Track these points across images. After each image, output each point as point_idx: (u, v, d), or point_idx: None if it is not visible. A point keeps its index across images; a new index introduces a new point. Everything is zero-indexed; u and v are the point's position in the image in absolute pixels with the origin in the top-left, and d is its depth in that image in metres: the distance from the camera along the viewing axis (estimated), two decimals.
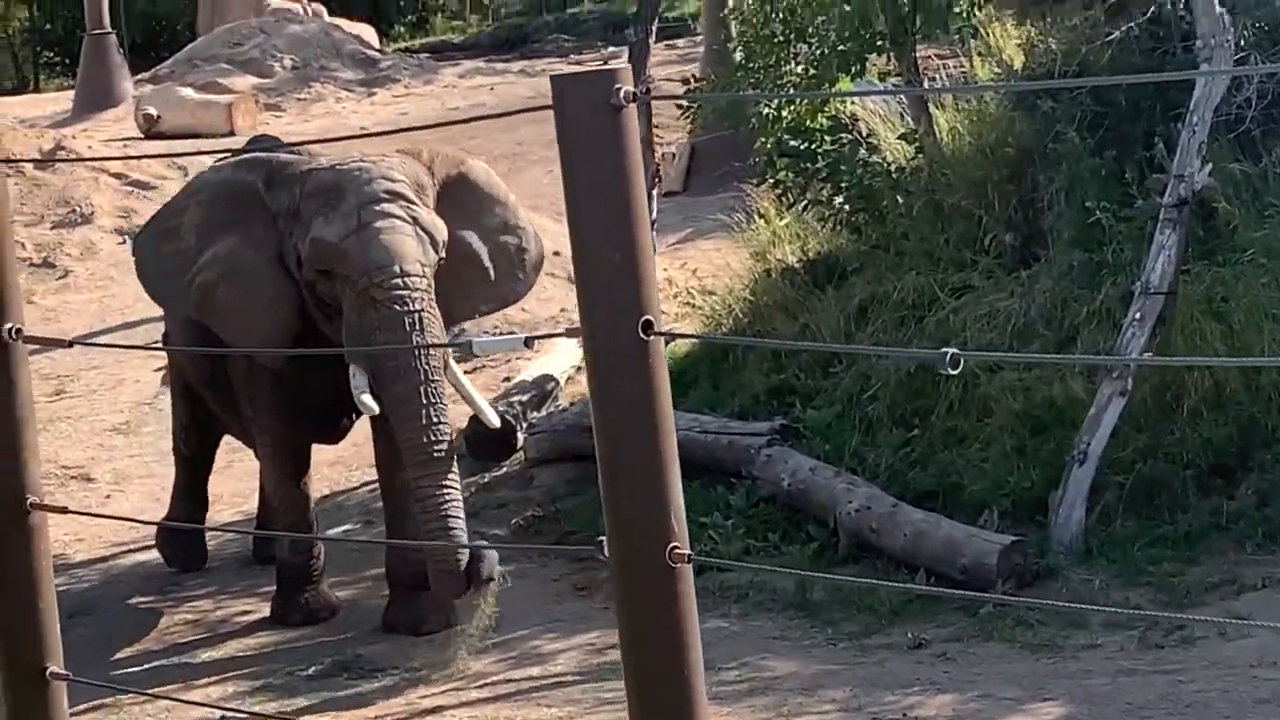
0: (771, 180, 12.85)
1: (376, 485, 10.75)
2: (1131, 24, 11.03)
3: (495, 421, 9.76)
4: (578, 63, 27.03)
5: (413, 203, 9.25)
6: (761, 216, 13.32)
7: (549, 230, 13.86)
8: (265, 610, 10.18)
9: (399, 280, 9.00)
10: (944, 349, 3.27)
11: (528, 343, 4.26)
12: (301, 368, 9.46)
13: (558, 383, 12.99)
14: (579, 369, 12.59)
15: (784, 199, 12.90)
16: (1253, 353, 10.04)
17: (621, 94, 3.35)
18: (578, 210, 3.41)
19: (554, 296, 14.91)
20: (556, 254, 15.43)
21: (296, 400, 9.68)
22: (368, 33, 29.61)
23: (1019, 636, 9.05)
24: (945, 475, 10.54)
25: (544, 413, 12.52)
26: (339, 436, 10.46)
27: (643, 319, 3.38)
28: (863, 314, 11.86)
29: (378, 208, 9.14)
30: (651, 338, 3.39)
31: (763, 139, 12.87)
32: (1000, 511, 10.11)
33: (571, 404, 12.52)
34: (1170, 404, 10.19)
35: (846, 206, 12.43)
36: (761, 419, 11.24)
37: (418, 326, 8.98)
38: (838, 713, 8.32)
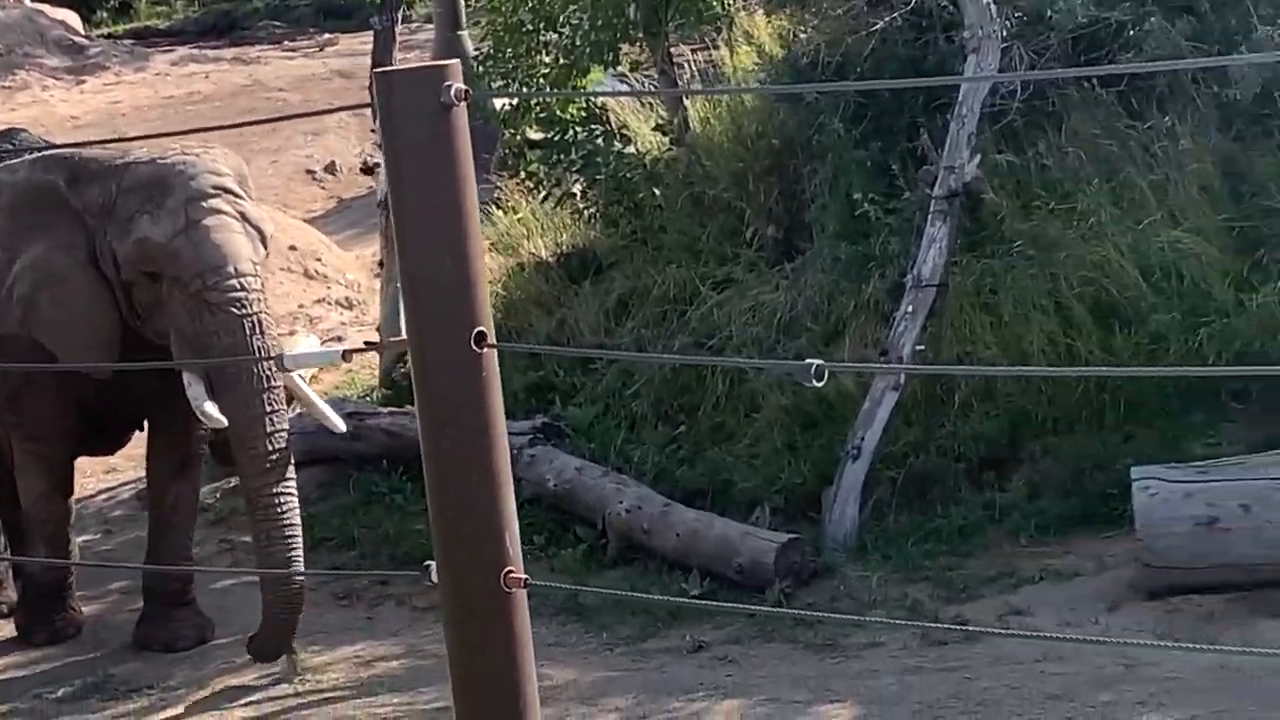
0: (524, 173, 12.58)
1: (111, 494, 10.31)
2: (894, 14, 10.95)
3: (340, 426, 9.38)
4: (292, 50, 26.40)
5: (239, 197, 8.87)
6: (513, 209, 13.02)
7: (280, 223, 13.45)
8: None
9: (234, 281, 8.61)
10: (809, 360, 3.05)
11: (345, 356, 4.00)
12: (101, 376, 8.94)
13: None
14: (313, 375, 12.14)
15: (536, 191, 12.64)
16: (1021, 343, 10.03)
17: (452, 92, 3.09)
18: (406, 216, 3.17)
19: (290, 292, 14.48)
20: (293, 248, 15.02)
21: (88, 410, 9.19)
22: (72, 18, 28.65)
23: (800, 637, 8.91)
24: (715, 473, 10.38)
25: (294, 414, 12.07)
26: (119, 447, 10.00)
27: (475, 330, 3.16)
28: (623, 308, 11.65)
29: (205, 204, 8.72)
30: (485, 350, 3.16)
31: (511, 130, 12.60)
32: (773, 508, 9.98)
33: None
34: (941, 397, 10.15)
35: (601, 199, 12.20)
36: (521, 418, 10.95)
37: (256, 329, 8.63)
38: None
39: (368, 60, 18.39)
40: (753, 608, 9.20)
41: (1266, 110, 10.46)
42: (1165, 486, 8.36)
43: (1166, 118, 10.48)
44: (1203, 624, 8.06)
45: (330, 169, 18.99)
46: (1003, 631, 8.31)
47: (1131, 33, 10.65)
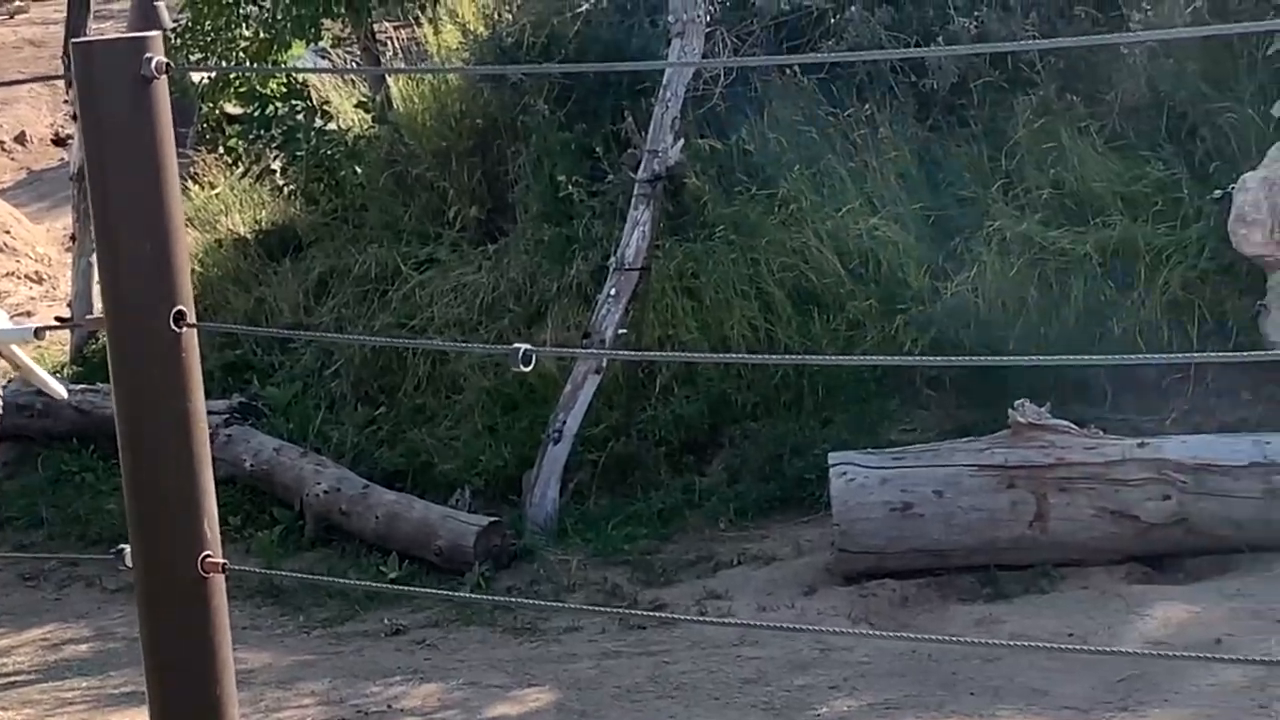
0: (222, 148, 12.33)
1: None
2: None
3: (62, 393, 9.03)
4: None
5: None
6: (210, 185, 12.76)
7: None
8: None
9: None
10: (516, 345, 3.04)
11: (37, 333, 3.92)
12: None
13: None
14: None
15: (234, 167, 12.39)
16: (723, 328, 10.10)
17: (153, 64, 3.00)
18: (105, 191, 3.11)
19: None
20: None
21: None
22: None
23: (500, 620, 8.86)
24: (415, 454, 10.29)
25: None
26: None
27: (175, 310, 3.11)
28: (323, 287, 11.49)
29: None
30: (184, 329, 3.11)
31: (209, 105, 12.35)
32: (473, 491, 9.93)
33: (8, 382, 11.74)
34: (643, 381, 10.17)
35: (302, 176, 12.00)
36: (217, 397, 10.72)
37: None
38: (318, 706, 7.97)
39: (60, 29, 17.87)
40: (449, 593, 9.13)
41: (962, 101, 10.66)
42: (861, 472, 8.47)
43: (866, 106, 10.62)
44: (896, 608, 8.18)
45: (20, 139, 18.47)
46: (697, 619, 8.34)
47: (833, 21, 10.78)
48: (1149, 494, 8.20)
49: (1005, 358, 8.94)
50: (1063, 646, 7.05)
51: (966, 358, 9.22)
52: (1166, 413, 9.41)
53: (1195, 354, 9.50)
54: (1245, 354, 9.72)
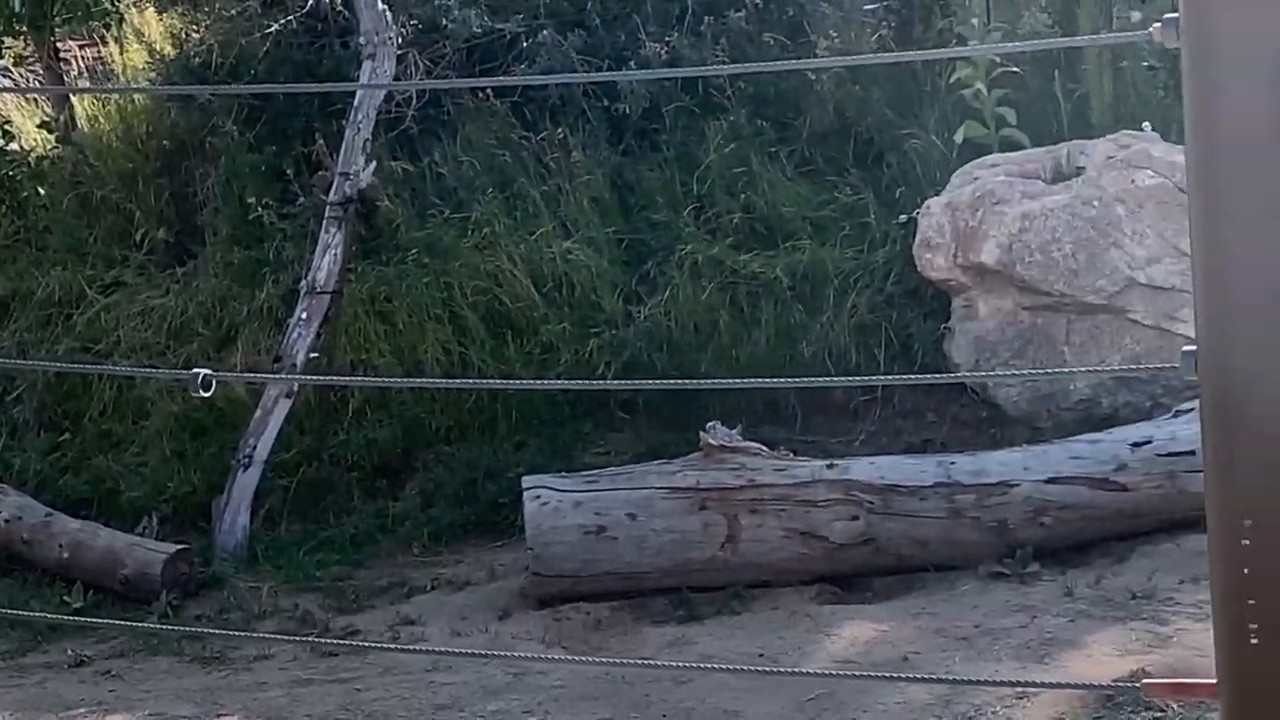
0: None
1: None
2: (289, 17, 10.81)
3: None
4: None
5: None
6: None
7: None
8: None
9: None
10: (196, 370, 2.96)
11: None
12: None
13: None
14: None
15: None
16: (416, 352, 10.03)
17: None
18: None
19: None
20: None
21: None
22: None
23: (188, 650, 8.67)
24: (101, 481, 10.05)
25: None
26: None
27: None
28: (4, 311, 11.16)
29: None
30: None
31: None
32: (161, 518, 9.73)
33: None
34: (335, 405, 10.06)
35: None
36: None
37: None
38: None
39: None
40: (134, 623, 8.92)
41: (655, 125, 10.74)
42: (554, 495, 8.46)
43: (559, 130, 10.64)
44: (590, 631, 8.18)
45: None
46: (389, 646, 8.25)
47: (525, 45, 10.80)
48: (837, 515, 8.30)
49: (697, 380, 9.00)
50: (753, 668, 7.12)
51: (659, 381, 9.28)
52: (855, 434, 9.56)
53: (882, 376, 9.67)
54: (930, 376, 9.94)
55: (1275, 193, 2.29)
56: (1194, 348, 2.43)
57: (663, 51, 10.51)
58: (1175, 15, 2.31)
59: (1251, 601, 2.38)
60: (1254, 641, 2.38)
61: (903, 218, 9.93)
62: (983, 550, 8.29)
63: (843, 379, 9.66)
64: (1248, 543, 2.37)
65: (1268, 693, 2.41)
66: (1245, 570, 2.38)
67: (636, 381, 9.30)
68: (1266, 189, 2.28)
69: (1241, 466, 2.38)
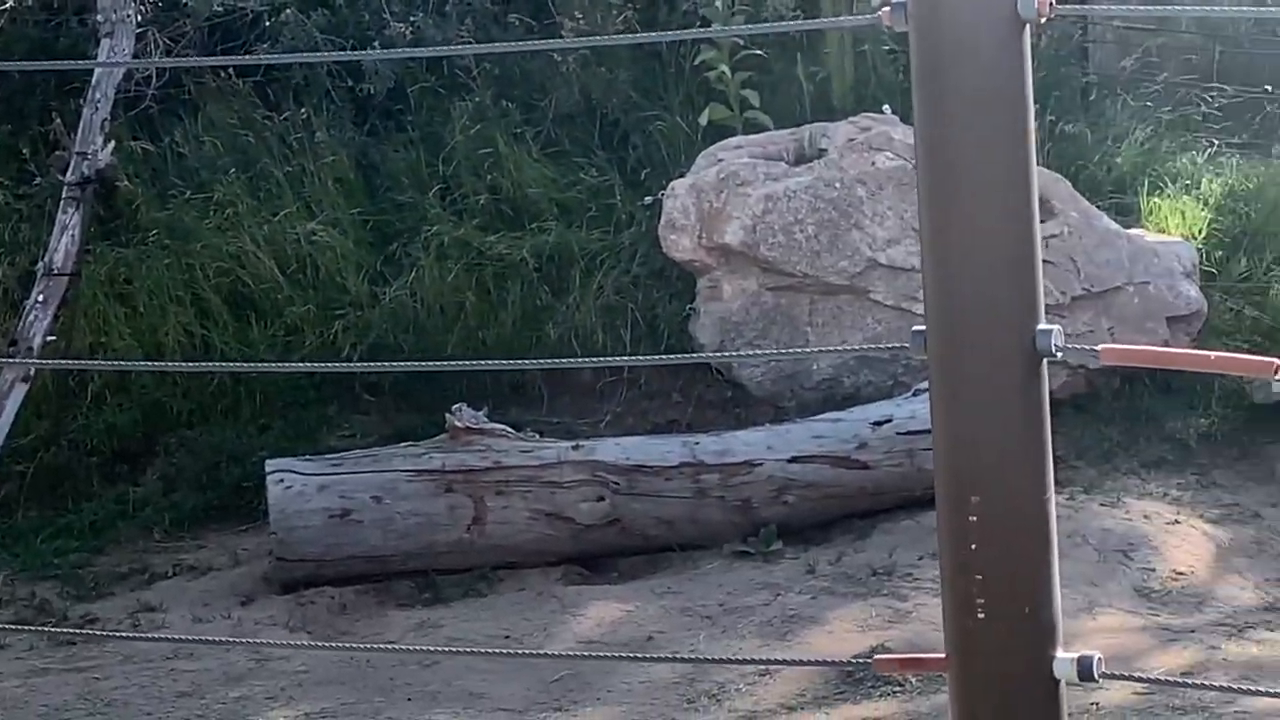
0: None
1: None
2: None
3: None
4: None
5: None
6: None
7: None
8: None
9: None
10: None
11: None
12: None
13: None
14: None
15: None
16: (157, 334, 9.88)
17: None
18: None
19: None
20: None
21: None
22: None
23: None
24: None
25: None
26: None
27: None
28: None
29: None
30: None
31: None
32: None
33: None
34: (74, 389, 9.86)
35: None
36: None
37: None
38: None
39: None
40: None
41: (400, 106, 10.68)
42: (299, 479, 8.38)
43: (303, 110, 10.54)
44: (335, 615, 8.12)
45: None
46: (128, 634, 8.12)
47: (268, 23, 10.67)
48: (583, 496, 8.34)
49: (443, 362, 8.98)
50: (498, 650, 7.11)
51: (405, 363, 9.23)
52: (601, 415, 9.60)
53: (628, 357, 9.71)
54: (675, 357, 10.01)
55: (999, 175, 2.33)
56: (924, 327, 2.46)
57: (407, 31, 10.45)
58: (904, 0, 2.34)
59: (979, 577, 2.42)
60: (980, 616, 2.42)
61: (648, 199, 9.99)
62: (727, 529, 8.38)
63: (588, 360, 9.69)
64: (975, 519, 2.41)
65: (994, 665, 2.45)
66: (973, 546, 2.42)
67: (382, 364, 9.24)
68: (991, 171, 2.32)
69: (969, 444, 2.42)
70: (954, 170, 2.32)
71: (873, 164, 9.50)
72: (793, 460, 8.43)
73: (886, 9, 2.39)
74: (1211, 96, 11.95)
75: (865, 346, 9.38)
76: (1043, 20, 2.31)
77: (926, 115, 2.33)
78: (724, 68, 10.35)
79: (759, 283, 9.55)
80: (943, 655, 2.49)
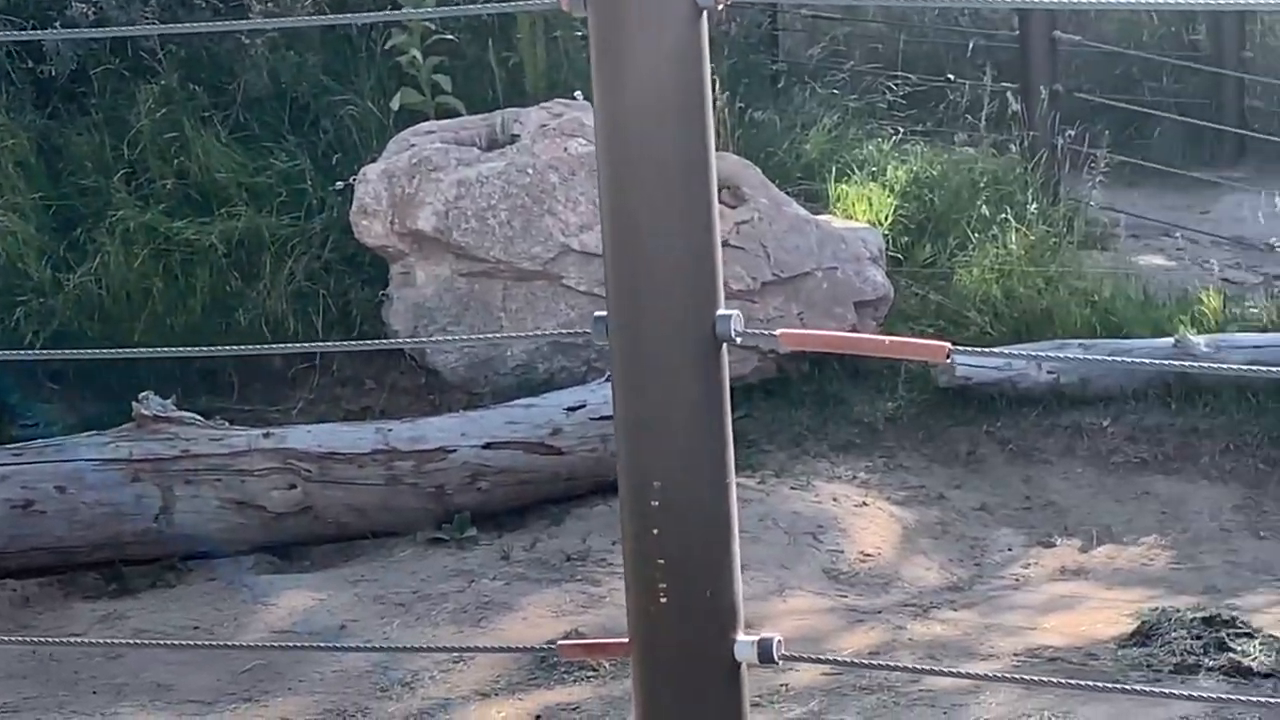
0: None
1: None
2: None
3: None
4: None
5: None
6: None
7: None
8: None
9: None
10: None
11: None
12: None
13: None
14: None
15: None
16: None
17: None
18: None
19: None
20: None
21: None
22: None
23: None
24: None
25: None
26: None
27: None
28: None
29: None
30: None
31: None
32: None
33: None
34: None
35: None
36: None
37: None
38: None
39: None
40: None
41: (82, 88, 10.44)
42: None
43: None
44: (17, 609, 7.90)
45: None
46: None
47: None
48: (275, 484, 8.23)
49: (130, 350, 8.79)
50: (186, 642, 7.00)
51: (89, 350, 9.01)
52: (293, 402, 9.50)
53: (320, 344, 9.62)
54: (368, 343, 9.94)
55: (678, 161, 2.34)
56: (605, 313, 2.47)
57: (90, 12, 10.20)
58: None
59: (661, 561, 2.44)
60: (663, 600, 2.44)
61: (339, 185, 9.89)
62: (421, 516, 8.34)
63: (280, 346, 9.56)
64: (657, 504, 2.43)
65: (676, 649, 2.47)
66: (655, 531, 2.44)
67: (65, 351, 9.02)
68: (669, 157, 2.33)
69: (650, 429, 2.43)
70: (632, 155, 2.33)
71: (565, 150, 9.52)
72: (487, 446, 8.41)
73: None
74: (896, 85, 12.23)
75: (556, 332, 9.40)
76: (720, 8, 2.32)
77: (605, 101, 2.33)
78: (415, 52, 10.29)
79: (452, 269, 9.51)
80: (625, 640, 2.51)
